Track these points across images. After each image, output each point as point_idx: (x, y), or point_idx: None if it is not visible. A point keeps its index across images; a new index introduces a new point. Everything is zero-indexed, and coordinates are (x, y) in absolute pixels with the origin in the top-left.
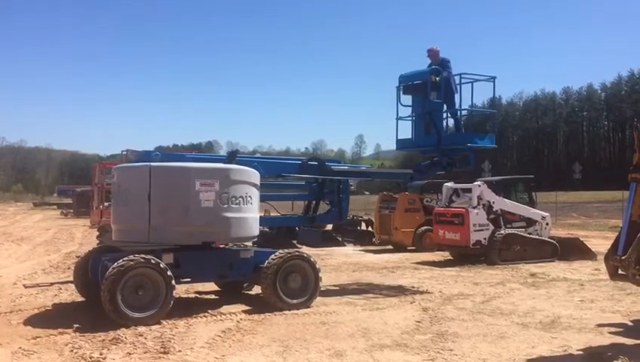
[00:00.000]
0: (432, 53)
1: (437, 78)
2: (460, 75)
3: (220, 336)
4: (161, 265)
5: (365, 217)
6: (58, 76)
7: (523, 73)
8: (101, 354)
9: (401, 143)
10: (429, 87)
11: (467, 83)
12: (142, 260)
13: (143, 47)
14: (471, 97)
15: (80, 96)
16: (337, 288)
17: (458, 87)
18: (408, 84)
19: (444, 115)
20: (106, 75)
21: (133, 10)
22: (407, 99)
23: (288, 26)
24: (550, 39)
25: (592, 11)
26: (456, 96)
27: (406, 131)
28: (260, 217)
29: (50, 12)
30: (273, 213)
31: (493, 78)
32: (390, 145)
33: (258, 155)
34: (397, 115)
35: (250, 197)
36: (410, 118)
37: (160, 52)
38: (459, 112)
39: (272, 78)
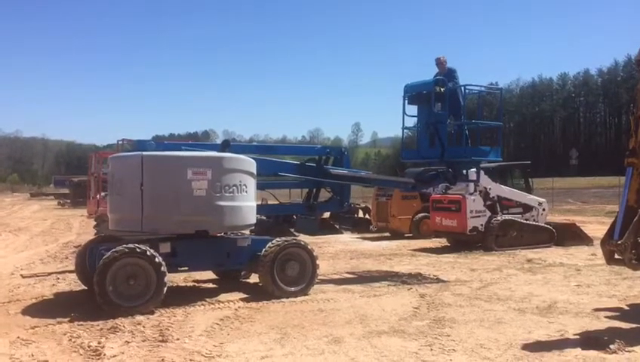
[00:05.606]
0: (439, 63)
1: (442, 89)
2: (465, 86)
3: (218, 324)
4: (148, 253)
5: (362, 205)
6: (53, 66)
7: (520, 59)
8: (99, 342)
9: (406, 154)
10: (434, 98)
11: (474, 94)
12: (126, 250)
13: (139, 38)
14: (478, 110)
15: (76, 87)
16: (335, 275)
17: (465, 97)
18: (413, 94)
19: (451, 127)
20: (102, 65)
21: (128, 2)
22: (412, 109)
23: (285, 16)
24: (547, 25)
25: None
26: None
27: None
28: (258, 205)
29: (45, 5)
30: (271, 202)
31: (499, 90)
32: (387, 133)
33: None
34: (402, 124)
35: (245, 185)
36: (416, 128)
37: (156, 42)
38: (465, 124)
39: (269, 67)
